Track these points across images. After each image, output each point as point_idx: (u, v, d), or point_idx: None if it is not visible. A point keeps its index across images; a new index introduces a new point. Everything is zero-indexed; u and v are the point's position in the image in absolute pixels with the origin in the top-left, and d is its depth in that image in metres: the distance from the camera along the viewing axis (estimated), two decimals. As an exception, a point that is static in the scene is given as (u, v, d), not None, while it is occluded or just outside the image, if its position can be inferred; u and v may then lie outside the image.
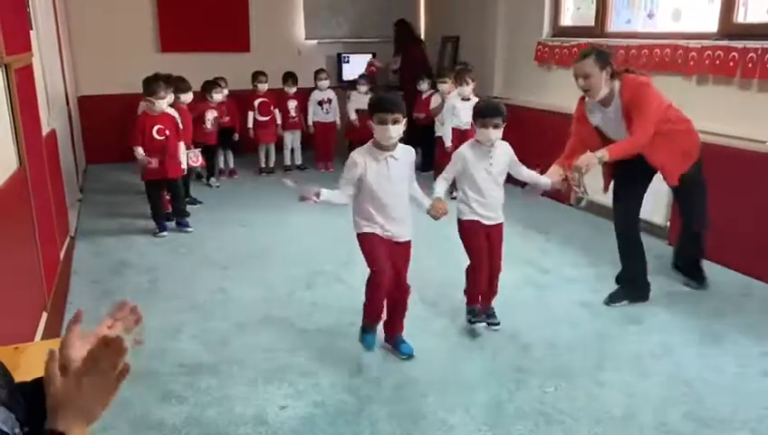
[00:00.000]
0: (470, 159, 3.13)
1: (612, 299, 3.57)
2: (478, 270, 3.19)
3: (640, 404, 2.62)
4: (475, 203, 3.15)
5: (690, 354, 3.02)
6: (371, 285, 2.92)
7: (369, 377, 2.83)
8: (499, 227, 3.24)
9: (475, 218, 3.16)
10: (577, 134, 3.59)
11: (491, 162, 3.14)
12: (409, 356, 3.01)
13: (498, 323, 3.29)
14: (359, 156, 2.83)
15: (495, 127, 3.04)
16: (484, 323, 3.27)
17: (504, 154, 3.21)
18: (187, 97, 5.61)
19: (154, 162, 4.68)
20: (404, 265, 2.98)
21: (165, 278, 4.00)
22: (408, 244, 2.96)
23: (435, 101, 6.41)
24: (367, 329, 3.03)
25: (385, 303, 3.00)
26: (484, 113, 3.05)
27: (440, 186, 3.13)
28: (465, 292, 3.29)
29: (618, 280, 3.68)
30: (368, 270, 2.91)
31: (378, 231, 2.88)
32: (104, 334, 1.05)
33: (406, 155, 2.91)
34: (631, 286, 3.59)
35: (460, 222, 3.21)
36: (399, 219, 2.89)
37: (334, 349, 3.09)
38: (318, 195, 2.79)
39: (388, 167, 2.82)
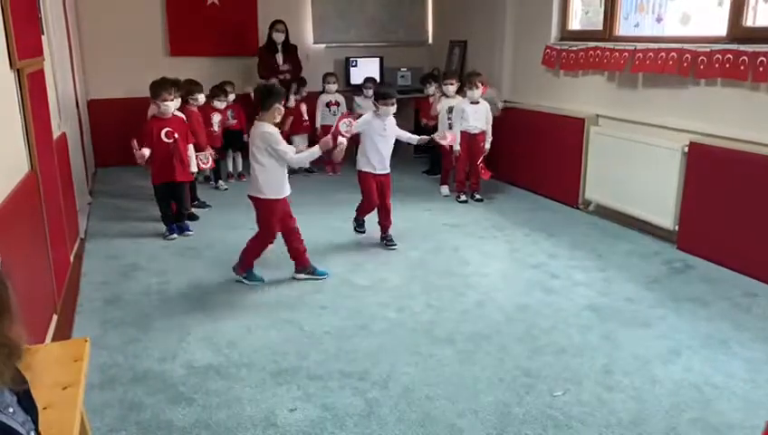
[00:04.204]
0: (370, 124, 4.48)
1: None
2: (368, 204, 4.62)
3: (649, 409, 2.61)
4: (373, 159, 4.49)
5: (699, 359, 3.00)
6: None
7: (378, 380, 2.83)
8: (388, 175, 4.59)
9: (368, 170, 4.52)
10: None
11: (385, 128, 4.48)
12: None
13: (396, 245, 4.58)
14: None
15: (393, 104, 4.48)
16: (364, 229, 4.83)
17: (392, 122, 4.55)
18: (200, 99, 5.66)
19: (140, 152, 4.59)
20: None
21: (174, 281, 4.02)
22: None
23: (436, 104, 6.40)
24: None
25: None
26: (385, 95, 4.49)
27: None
28: (356, 216, 4.81)
29: None
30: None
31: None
32: None
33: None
34: None
35: (360, 172, 4.57)
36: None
37: (343, 351, 3.10)
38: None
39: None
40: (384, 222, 4.64)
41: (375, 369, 2.93)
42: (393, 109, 4.46)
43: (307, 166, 7.01)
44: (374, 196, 4.52)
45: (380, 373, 2.89)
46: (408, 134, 4.73)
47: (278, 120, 3.81)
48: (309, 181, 6.75)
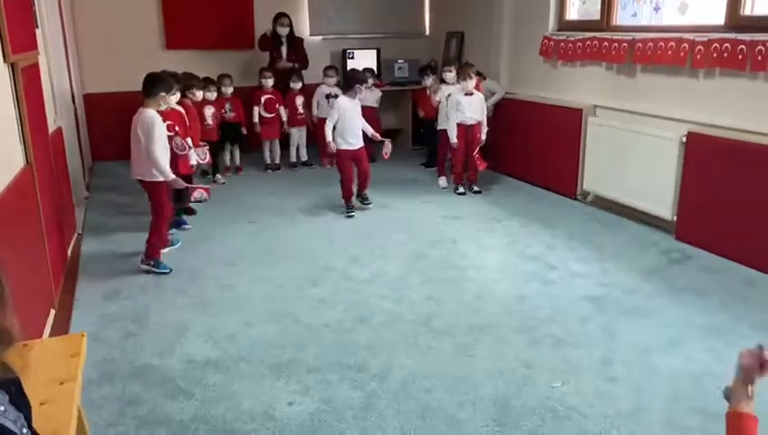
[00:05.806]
0: (346, 107, 5.10)
1: None
2: (347, 181, 5.17)
3: (648, 399, 2.61)
4: (348, 136, 5.08)
5: (698, 349, 3.00)
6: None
7: (376, 372, 2.83)
8: (362, 148, 5.21)
9: (346, 148, 5.10)
10: None
11: (356, 107, 5.13)
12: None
13: (371, 203, 5.27)
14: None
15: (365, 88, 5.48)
16: (353, 212, 5.15)
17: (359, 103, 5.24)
18: (198, 96, 5.62)
19: None
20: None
21: (172, 275, 4.01)
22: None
23: (434, 95, 6.37)
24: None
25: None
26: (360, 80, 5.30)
27: (329, 131, 5.12)
28: (342, 196, 5.20)
29: None
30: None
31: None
32: None
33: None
34: None
35: (338, 150, 5.16)
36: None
37: (341, 345, 3.09)
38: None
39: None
40: (362, 184, 5.23)
41: (374, 361, 2.93)
42: (366, 91, 5.52)
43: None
44: (350, 171, 5.16)
45: (379, 366, 2.89)
46: (367, 125, 5.31)
47: (162, 108, 4.06)
48: (309, 175, 6.74)
